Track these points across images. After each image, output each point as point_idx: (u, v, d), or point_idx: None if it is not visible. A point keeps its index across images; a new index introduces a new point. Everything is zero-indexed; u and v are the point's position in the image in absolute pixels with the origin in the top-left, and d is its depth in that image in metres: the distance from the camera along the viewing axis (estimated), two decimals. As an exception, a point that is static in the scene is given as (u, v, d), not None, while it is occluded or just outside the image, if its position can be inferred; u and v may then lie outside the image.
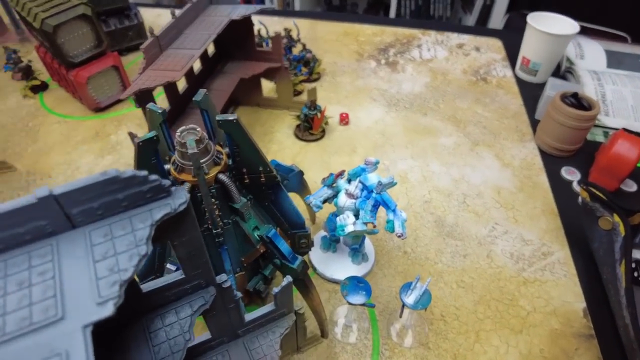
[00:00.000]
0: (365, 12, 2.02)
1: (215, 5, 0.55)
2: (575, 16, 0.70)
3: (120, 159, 0.58)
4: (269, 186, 0.33)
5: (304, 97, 0.66)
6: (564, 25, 0.69)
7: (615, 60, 0.71)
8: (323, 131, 0.61)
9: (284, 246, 0.32)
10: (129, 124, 0.64)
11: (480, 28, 1.04)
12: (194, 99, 0.31)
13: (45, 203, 0.16)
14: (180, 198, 0.19)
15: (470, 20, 1.70)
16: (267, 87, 0.65)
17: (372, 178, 0.37)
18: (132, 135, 0.43)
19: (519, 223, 0.49)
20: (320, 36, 0.84)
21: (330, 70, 0.74)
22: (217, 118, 0.29)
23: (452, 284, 0.43)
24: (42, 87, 0.70)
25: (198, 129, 0.29)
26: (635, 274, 0.41)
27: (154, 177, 0.18)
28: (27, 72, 0.70)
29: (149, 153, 0.29)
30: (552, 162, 0.57)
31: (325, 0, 2.08)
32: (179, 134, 0.29)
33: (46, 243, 0.17)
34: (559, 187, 0.54)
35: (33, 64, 0.72)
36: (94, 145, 0.60)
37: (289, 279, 0.29)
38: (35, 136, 0.62)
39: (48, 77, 0.72)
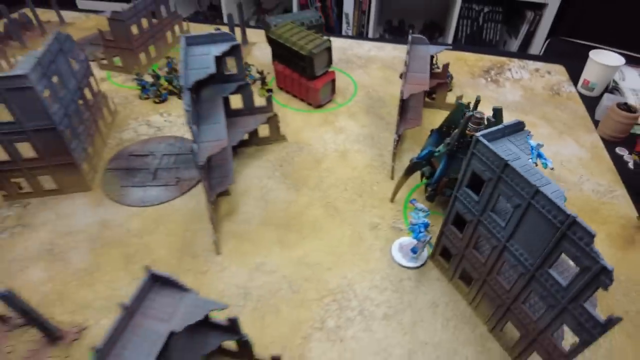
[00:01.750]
0: (421, 33, 2.41)
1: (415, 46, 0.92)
2: (617, 47, 1.06)
3: (350, 136, 0.94)
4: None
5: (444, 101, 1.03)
6: (614, 58, 1.06)
7: (645, 82, 1.08)
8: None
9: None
10: (340, 117, 1.00)
11: (548, 57, 1.39)
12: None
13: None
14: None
15: (515, 44, 2.08)
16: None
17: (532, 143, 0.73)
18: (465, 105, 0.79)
19: (594, 176, 0.86)
20: (443, 60, 1.21)
21: (457, 85, 1.11)
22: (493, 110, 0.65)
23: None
24: (269, 90, 1.07)
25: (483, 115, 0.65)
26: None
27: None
28: (262, 81, 1.07)
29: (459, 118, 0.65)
30: (609, 144, 0.94)
31: (386, 23, 2.47)
32: (478, 114, 0.64)
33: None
34: (616, 159, 0.91)
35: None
36: (328, 128, 0.96)
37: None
38: (285, 121, 0.98)
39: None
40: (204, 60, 0.68)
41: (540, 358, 0.52)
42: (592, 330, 0.44)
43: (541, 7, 1.94)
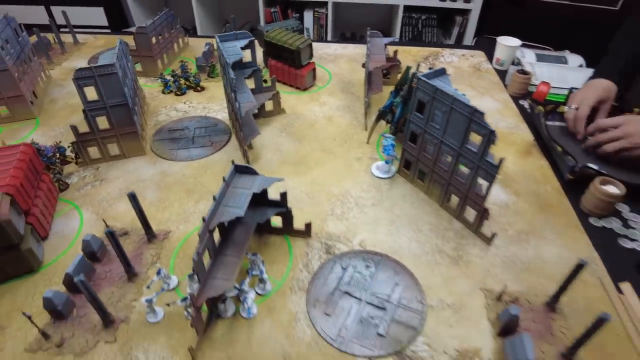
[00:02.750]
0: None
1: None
2: (520, 37, 1.48)
3: (332, 107, 1.27)
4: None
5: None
6: (515, 41, 1.46)
7: (540, 57, 1.49)
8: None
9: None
10: (322, 95, 1.33)
11: (472, 46, 1.78)
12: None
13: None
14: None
15: (450, 43, 2.51)
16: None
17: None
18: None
19: (505, 118, 1.23)
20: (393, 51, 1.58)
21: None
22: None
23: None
24: (265, 81, 1.39)
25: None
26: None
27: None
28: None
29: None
30: (515, 99, 1.32)
31: (340, 35, 2.86)
32: (420, 73, 0.99)
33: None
34: (519, 107, 1.28)
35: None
36: (314, 103, 1.28)
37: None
38: (282, 99, 1.29)
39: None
40: (234, 49, 0.98)
41: (472, 209, 0.86)
42: (492, 171, 0.77)
43: (467, 12, 2.38)
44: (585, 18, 2.32)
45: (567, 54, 1.52)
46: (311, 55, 1.30)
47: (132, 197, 0.77)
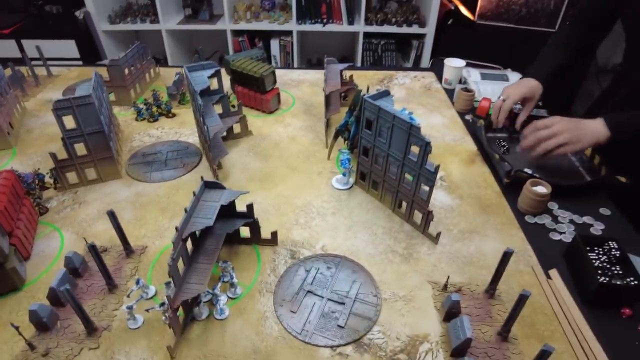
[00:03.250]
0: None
1: (327, 64, 1.39)
2: (471, 58, 1.63)
3: (295, 128, 1.37)
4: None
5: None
6: (460, 62, 1.62)
7: (484, 76, 1.65)
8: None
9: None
10: (286, 117, 1.44)
11: (423, 68, 1.95)
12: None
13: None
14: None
15: (409, 66, 2.69)
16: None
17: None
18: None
19: (452, 132, 1.36)
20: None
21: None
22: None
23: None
24: (233, 106, 1.48)
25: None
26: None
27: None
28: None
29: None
30: (461, 115, 1.46)
31: (307, 61, 3.01)
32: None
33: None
34: (465, 122, 1.42)
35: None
36: (279, 125, 1.39)
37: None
38: (248, 123, 1.39)
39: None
40: (202, 78, 1.08)
41: (418, 212, 0.97)
42: (431, 177, 0.89)
43: (423, 36, 2.57)
44: (527, 39, 2.54)
45: (508, 72, 1.68)
46: (275, 81, 1.41)
47: (111, 215, 0.85)
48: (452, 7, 2.49)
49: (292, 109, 1.48)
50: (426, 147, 0.87)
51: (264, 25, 2.52)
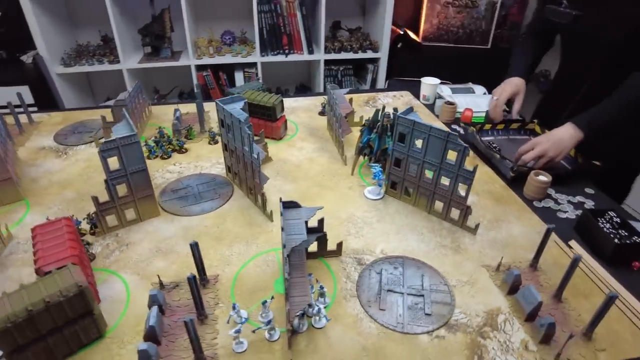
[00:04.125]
0: (295, 94, 3.10)
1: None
2: (419, 76, 1.84)
3: (309, 151, 1.46)
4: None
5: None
6: (435, 80, 1.83)
7: (454, 90, 1.87)
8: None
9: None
10: (296, 142, 1.52)
11: (397, 88, 2.14)
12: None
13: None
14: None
15: (366, 88, 2.90)
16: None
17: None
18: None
19: (447, 140, 1.54)
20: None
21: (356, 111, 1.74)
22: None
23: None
24: (239, 136, 1.53)
25: (389, 112, 1.25)
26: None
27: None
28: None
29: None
30: (448, 125, 1.65)
31: (267, 89, 3.09)
32: (386, 113, 1.24)
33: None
34: (456, 132, 1.61)
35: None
36: (293, 149, 1.46)
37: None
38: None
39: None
40: (237, 110, 1.14)
41: (455, 209, 1.10)
42: (470, 177, 1.03)
43: (377, 60, 2.80)
44: (465, 56, 2.88)
45: (471, 85, 1.93)
46: (283, 109, 1.49)
47: (195, 246, 0.87)
48: (402, 32, 2.76)
49: (298, 133, 1.57)
50: (464, 150, 1.01)
51: (228, 58, 2.59)
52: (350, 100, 1.60)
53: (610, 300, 0.77)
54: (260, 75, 2.67)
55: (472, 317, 0.87)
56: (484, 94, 1.85)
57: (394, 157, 1.16)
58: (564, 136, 1.23)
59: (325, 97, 1.61)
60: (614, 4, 1.21)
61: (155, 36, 2.56)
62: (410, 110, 1.13)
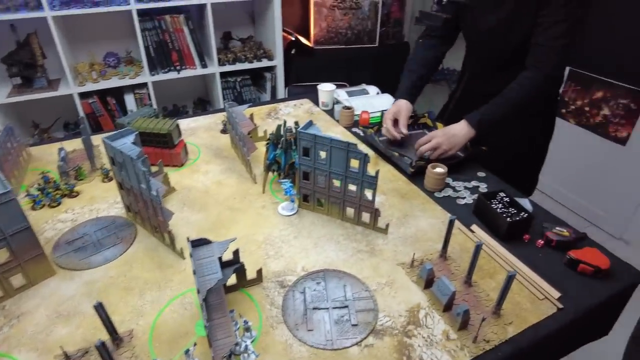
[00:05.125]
0: (193, 109, 2.99)
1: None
2: (318, 80, 1.89)
3: (215, 174, 1.41)
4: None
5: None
6: (330, 86, 1.87)
7: (350, 94, 1.93)
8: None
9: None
10: (201, 166, 1.46)
11: (297, 97, 2.15)
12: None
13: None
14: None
15: (267, 96, 2.89)
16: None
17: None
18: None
19: (350, 144, 1.59)
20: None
21: (258, 124, 1.71)
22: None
23: (344, 160, 1.49)
24: (138, 169, 1.43)
25: (291, 127, 1.25)
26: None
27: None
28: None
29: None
30: (349, 129, 1.71)
31: (162, 108, 2.95)
32: (288, 127, 1.24)
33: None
34: (354, 133, 1.67)
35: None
36: (198, 174, 1.40)
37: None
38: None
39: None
40: (127, 146, 1.06)
41: (366, 213, 1.14)
42: (373, 182, 1.07)
43: (273, 68, 2.80)
44: (357, 56, 3.00)
45: (365, 86, 2.01)
46: (180, 134, 1.42)
47: (100, 307, 0.79)
48: (293, 38, 2.78)
49: (202, 156, 1.51)
50: (364, 158, 1.05)
51: (115, 82, 2.40)
52: (252, 115, 1.57)
53: (510, 279, 0.86)
54: (152, 95, 2.52)
55: (396, 318, 0.91)
56: (377, 93, 1.94)
57: (302, 171, 1.17)
58: (459, 133, 1.34)
59: (225, 113, 1.56)
60: (479, 12, 1.34)
61: (24, 65, 2.28)
62: (310, 123, 1.14)
